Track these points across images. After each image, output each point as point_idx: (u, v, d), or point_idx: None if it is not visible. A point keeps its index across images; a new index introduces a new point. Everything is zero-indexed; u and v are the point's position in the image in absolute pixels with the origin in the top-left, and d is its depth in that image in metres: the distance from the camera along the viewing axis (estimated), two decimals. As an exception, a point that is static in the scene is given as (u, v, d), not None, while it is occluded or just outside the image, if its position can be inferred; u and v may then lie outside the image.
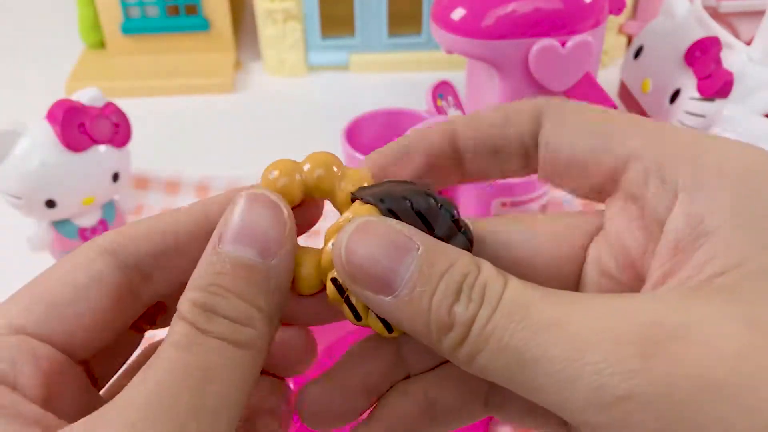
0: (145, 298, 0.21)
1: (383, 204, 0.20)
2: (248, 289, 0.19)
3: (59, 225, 0.49)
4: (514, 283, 0.18)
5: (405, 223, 0.19)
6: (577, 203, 0.57)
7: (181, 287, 0.19)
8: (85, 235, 0.50)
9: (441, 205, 0.20)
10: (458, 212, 0.20)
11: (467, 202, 0.50)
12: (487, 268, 0.18)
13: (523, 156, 0.21)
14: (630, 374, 0.15)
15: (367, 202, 0.20)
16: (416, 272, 0.18)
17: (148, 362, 0.18)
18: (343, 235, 0.19)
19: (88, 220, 0.50)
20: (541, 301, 0.17)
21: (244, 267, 0.19)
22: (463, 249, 0.19)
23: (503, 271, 0.18)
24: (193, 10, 0.75)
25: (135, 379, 0.17)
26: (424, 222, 0.20)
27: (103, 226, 0.51)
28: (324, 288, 0.21)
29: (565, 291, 0.18)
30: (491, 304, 0.17)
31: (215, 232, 0.19)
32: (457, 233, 0.20)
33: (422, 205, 0.20)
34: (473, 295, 0.18)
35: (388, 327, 0.20)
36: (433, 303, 0.18)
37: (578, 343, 0.16)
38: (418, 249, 0.18)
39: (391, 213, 0.20)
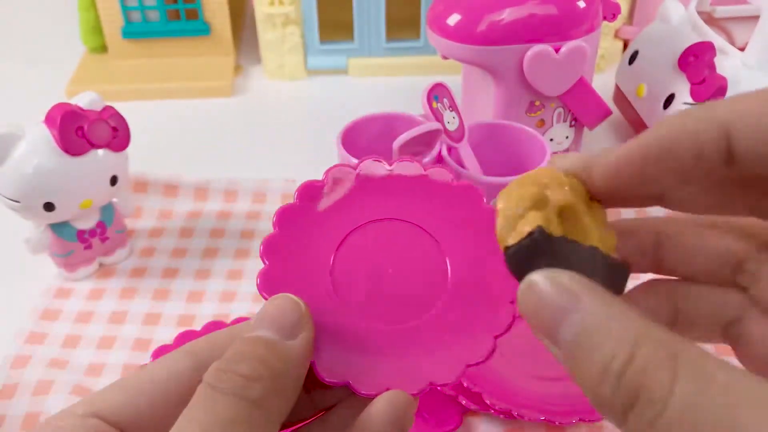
0: None
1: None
2: (265, 354, 0.21)
3: (57, 228, 0.49)
4: (683, 378, 0.16)
5: (581, 279, 0.18)
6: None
7: None
8: (83, 237, 0.50)
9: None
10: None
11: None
12: (644, 358, 0.16)
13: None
14: None
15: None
16: (575, 336, 0.17)
17: None
18: (522, 284, 0.19)
19: (87, 223, 0.51)
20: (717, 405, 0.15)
21: (263, 342, 0.22)
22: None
23: (667, 359, 0.16)
24: (193, 14, 0.75)
25: None
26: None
27: (101, 228, 0.51)
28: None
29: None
30: (653, 412, 0.16)
31: (245, 328, 0.23)
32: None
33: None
34: (621, 384, 0.16)
35: None
36: (584, 371, 0.17)
37: None
38: (580, 314, 0.17)
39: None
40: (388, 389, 0.23)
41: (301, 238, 0.26)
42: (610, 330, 0.17)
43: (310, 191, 0.26)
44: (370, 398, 0.23)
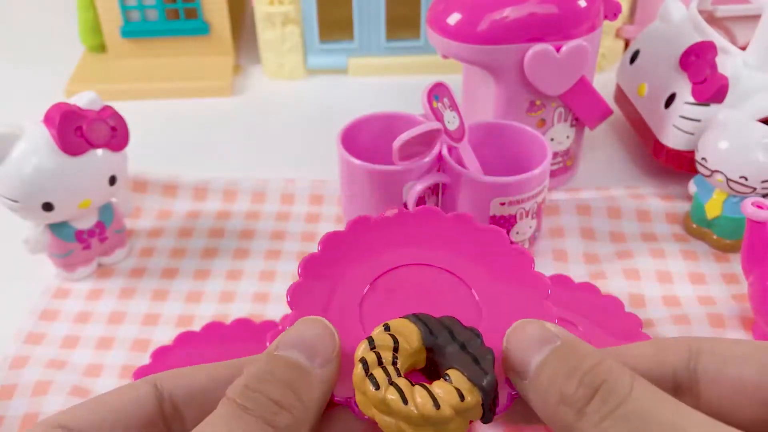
0: None
1: (417, 319, 0.24)
2: (296, 381, 0.21)
3: (56, 228, 0.49)
4: (641, 386, 0.19)
5: (560, 327, 0.22)
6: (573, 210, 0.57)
7: None
8: (81, 237, 0.50)
9: (468, 330, 0.23)
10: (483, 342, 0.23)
11: (464, 201, 0.50)
12: (609, 365, 0.20)
13: (673, 388, 0.22)
14: None
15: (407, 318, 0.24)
16: (546, 355, 0.21)
17: None
18: (510, 330, 0.23)
19: (85, 223, 0.50)
20: (662, 414, 0.18)
21: (296, 366, 0.22)
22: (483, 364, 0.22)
23: (628, 370, 0.20)
24: (192, 13, 0.75)
25: None
26: (450, 334, 0.23)
27: (100, 228, 0.51)
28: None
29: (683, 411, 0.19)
30: (611, 404, 0.19)
31: (272, 344, 0.22)
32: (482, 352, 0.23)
33: (446, 322, 0.24)
34: (586, 379, 0.20)
35: (404, 400, 0.22)
36: (550, 377, 0.20)
37: None
38: (556, 342, 0.21)
39: (421, 321, 0.23)
40: None
41: (336, 267, 0.27)
42: (579, 350, 0.21)
43: (358, 224, 0.28)
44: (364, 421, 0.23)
